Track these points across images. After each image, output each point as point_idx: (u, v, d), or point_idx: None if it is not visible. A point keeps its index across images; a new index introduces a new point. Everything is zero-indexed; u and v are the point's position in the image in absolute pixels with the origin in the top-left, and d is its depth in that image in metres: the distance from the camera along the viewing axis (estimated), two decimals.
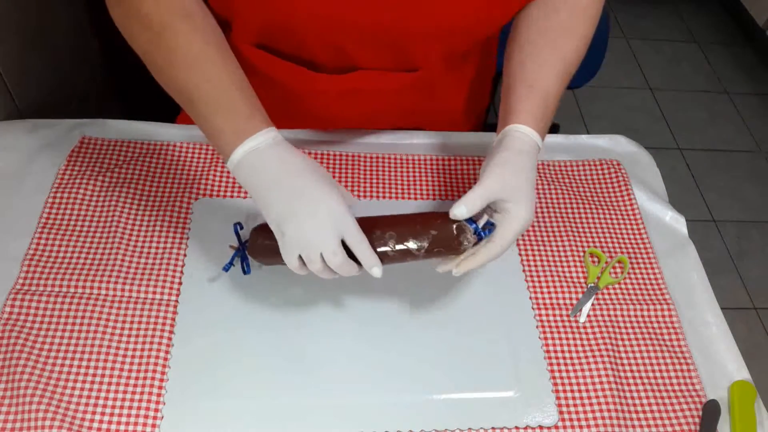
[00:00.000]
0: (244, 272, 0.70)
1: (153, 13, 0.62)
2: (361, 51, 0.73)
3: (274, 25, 0.70)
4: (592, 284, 0.76)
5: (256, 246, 0.67)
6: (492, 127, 0.96)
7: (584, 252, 0.79)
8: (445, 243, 0.62)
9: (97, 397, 0.63)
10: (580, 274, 0.78)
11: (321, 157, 0.85)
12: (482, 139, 0.90)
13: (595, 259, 0.79)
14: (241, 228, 0.71)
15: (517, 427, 0.65)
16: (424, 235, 0.62)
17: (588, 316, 0.74)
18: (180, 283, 0.71)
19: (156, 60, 0.63)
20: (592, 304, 0.75)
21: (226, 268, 0.69)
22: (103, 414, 0.62)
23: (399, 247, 0.62)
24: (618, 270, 0.79)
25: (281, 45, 0.73)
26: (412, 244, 0.61)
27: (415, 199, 0.83)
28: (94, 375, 0.64)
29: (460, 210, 0.61)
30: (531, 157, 0.66)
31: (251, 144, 0.60)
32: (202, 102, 0.62)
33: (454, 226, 0.62)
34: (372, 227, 0.62)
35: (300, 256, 0.60)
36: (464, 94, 0.90)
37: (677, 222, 0.85)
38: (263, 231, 0.65)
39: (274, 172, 0.60)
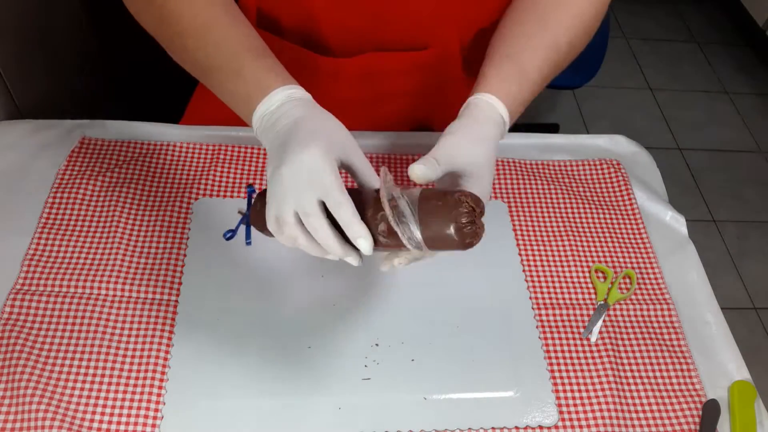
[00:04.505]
0: (247, 242, 0.64)
1: None
2: (369, 27, 0.69)
3: (290, 5, 0.67)
4: (602, 302, 0.75)
5: (255, 213, 0.59)
6: None
7: (589, 268, 0.78)
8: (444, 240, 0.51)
9: (97, 397, 0.63)
10: (581, 274, 0.78)
11: None
12: None
13: (601, 275, 0.78)
14: (254, 192, 0.66)
15: (517, 427, 0.65)
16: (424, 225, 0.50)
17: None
18: (180, 283, 0.71)
19: (164, 33, 0.61)
20: (603, 319, 0.74)
21: (227, 235, 0.64)
22: (103, 414, 0.62)
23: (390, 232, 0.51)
24: (626, 285, 0.78)
25: (286, 19, 0.69)
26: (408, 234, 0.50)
27: None
28: (94, 375, 0.64)
29: (419, 168, 0.53)
30: (492, 128, 0.59)
31: (263, 108, 0.56)
32: (214, 69, 0.59)
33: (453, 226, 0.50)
34: (365, 205, 0.53)
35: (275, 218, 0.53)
36: (470, 83, 0.88)
37: (677, 222, 0.85)
38: (261, 197, 0.58)
39: (276, 131, 0.55)
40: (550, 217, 0.83)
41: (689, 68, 2.33)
